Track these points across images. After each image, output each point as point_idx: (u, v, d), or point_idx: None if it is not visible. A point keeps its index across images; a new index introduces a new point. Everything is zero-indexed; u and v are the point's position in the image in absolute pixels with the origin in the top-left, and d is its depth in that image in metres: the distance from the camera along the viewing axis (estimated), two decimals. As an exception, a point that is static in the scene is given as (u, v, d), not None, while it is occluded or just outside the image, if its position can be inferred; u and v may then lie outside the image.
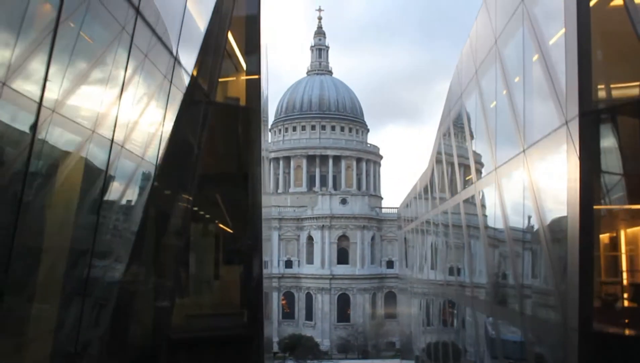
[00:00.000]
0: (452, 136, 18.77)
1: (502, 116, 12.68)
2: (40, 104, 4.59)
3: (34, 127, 4.63)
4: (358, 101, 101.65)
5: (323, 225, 76.59)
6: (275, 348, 67.39)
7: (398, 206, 74.74)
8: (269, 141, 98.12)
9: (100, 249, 6.75)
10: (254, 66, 13.26)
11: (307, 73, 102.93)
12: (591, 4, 8.94)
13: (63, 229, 5.87)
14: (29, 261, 5.11)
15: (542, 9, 10.51)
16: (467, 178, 16.92)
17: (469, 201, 16.42)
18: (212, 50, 11.27)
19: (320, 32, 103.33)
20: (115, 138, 6.47)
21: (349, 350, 70.24)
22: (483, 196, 14.64)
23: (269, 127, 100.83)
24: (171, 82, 8.73)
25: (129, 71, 6.78)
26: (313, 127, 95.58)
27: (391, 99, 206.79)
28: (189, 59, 9.78)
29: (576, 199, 8.49)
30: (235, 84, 13.71)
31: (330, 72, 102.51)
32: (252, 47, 13.02)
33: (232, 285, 13.68)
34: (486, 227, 14.85)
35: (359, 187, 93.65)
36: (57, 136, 5.27)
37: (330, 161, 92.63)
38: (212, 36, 10.94)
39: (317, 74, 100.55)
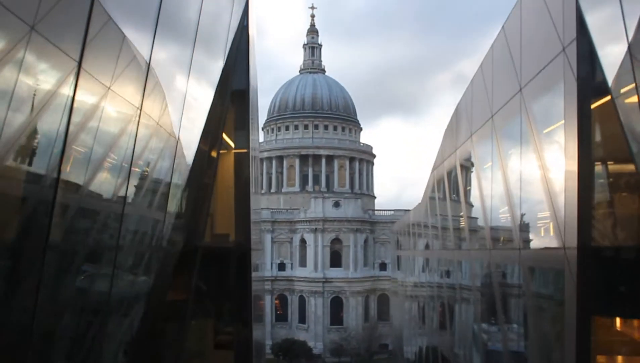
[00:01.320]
0: (445, 187, 18.51)
1: (498, 198, 12.42)
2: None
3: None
4: (351, 100, 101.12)
5: (316, 228, 76.38)
6: (268, 351, 67.47)
7: (391, 206, 74.30)
8: (262, 140, 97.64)
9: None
10: (244, 142, 13.04)
11: (299, 71, 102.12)
12: (592, 104, 8.67)
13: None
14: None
15: (540, 108, 10.21)
16: (462, 236, 16.70)
17: (463, 261, 16.21)
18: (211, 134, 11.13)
19: (313, 30, 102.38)
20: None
21: (342, 354, 70.42)
22: (477, 266, 14.43)
23: (262, 126, 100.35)
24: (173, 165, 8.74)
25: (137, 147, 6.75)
26: (306, 127, 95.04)
27: (387, 92, 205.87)
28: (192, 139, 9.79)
29: (573, 314, 8.32)
30: (227, 157, 13.48)
31: (323, 71, 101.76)
32: (242, 124, 12.75)
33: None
34: (478, 296, 14.67)
35: (351, 186, 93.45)
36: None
37: (323, 161, 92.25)
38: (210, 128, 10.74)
39: (310, 72, 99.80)
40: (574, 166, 8.45)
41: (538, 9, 9.98)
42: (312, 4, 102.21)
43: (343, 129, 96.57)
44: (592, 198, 8.14)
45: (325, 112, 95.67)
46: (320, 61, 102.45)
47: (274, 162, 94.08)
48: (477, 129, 14.34)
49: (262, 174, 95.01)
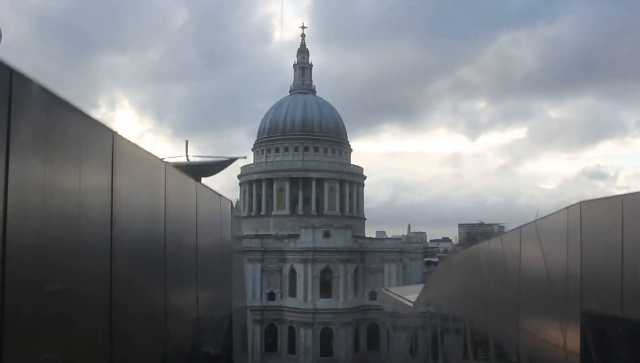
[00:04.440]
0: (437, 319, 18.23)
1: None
2: None
3: None
4: (341, 121, 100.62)
5: (306, 259, 76.00)
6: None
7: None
8: (252, 161, 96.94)
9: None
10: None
11: (289, 92, 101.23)
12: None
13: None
14: None
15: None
16: None
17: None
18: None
19: (303, 50, 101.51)
20: None
21: (332, 386, 70.40)
22: None
23: (252, 147, 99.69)
24: None
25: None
26: (296, 149, 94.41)
27: (386, 96, 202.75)
28: None
29: None
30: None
31: (313, 91, 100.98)
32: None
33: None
34: None
35: (342, 209, 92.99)
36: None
37: (314, 184, 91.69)
38: None
39: (300, 93, 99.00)
40: None
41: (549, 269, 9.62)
42: (303, 24, 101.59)
43: (333, 151, 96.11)
44: None
45: (316, 134, 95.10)
46: (311, 81, 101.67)
47: (263, 184, 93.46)
48: (472, 311, 14.02)
49: (251, 196, 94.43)
